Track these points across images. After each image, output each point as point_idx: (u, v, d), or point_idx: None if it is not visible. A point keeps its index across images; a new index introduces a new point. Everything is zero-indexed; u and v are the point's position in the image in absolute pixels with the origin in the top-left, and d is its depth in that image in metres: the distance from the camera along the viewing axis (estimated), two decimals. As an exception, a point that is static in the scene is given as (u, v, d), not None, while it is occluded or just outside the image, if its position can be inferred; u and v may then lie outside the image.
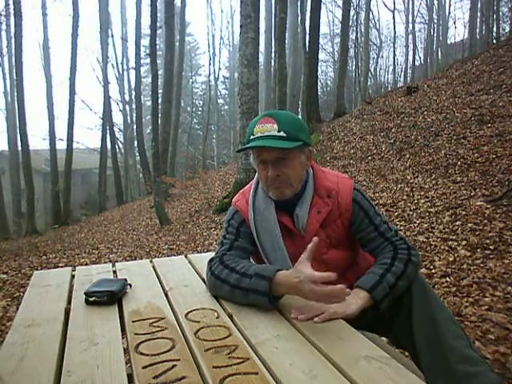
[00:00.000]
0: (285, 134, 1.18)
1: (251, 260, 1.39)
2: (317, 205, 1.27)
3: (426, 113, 8.09)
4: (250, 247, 1.32)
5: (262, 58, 18.01)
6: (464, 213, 3.91)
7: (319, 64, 15.32)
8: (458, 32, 41.13)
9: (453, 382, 0.99)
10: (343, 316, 1.04)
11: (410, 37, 25.97)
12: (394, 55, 27.20)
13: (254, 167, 1.33)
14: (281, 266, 1.26)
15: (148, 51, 10.37)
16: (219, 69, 29.91)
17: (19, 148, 15.70)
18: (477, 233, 3.43)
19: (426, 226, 3.91)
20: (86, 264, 5.54)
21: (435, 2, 26.10)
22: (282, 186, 1.23)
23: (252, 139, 1.21)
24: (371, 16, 24.01)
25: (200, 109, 32.88)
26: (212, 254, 1.34)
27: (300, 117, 13.17)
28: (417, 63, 26.33)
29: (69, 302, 1.25)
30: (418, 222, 4.08)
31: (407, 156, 6.55)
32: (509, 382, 1.69)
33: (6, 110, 19.85)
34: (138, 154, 19.97)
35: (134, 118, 17.79)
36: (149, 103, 21.96)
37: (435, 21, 26.21)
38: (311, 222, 1.26)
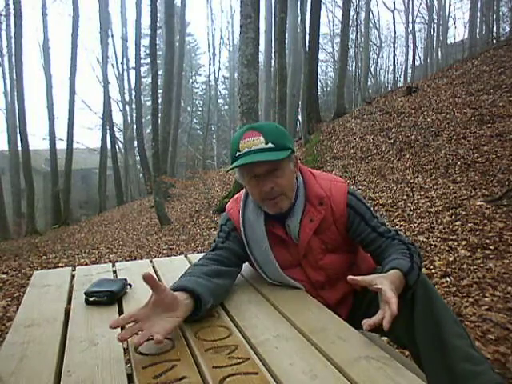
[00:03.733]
0: (273, 145, 1.16)
1: (249, 266, 1.40)
2: (309, 213, 1.25)
3: (426, 113, 8.09)
4: (238, 250, 1.31)
5: (261, 58, 18.02)
6: (464, 213, 3.91)
7: (319, 64, 15.34)
8: (458, 32, 41.24)
9: (455, 381, 0.99)
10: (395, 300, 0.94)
11: (410, 37, 25.97)
12: (394, 55, 27.24)
13: (242, 183, 1.30)
14: (274, 276, 1.28)
15: (148, 51, 10.37)
16: (219, 69, 29.96)
17: (19, 148, 15.69)
18: (477, 233, 3.43)
19: (425, 225, 3.90)
20: (86, 264, 5.54)
21: (435, 2, 26.10)
22: (279, 200, 1.21)
23: (239, 156, 1.18)
24: (371, 16, 24.05)
25: (200, 109, 32.90)
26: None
27: (300, 117, 13.19)
28: (417, 63, 26.36)
29: (69, 301, 1.25)
30: (417, 222, 4.08)
31: (407, 156, 6.55)
32: (509, 382, 1.69)
33: (6, 110, 19.81)
34: (137, 153, 20.00)
35: (134, 118, 17.80)
36: (149, 103, 21.96)
37: (435, 21, 26.21)
38: (304, 230, 1.24)
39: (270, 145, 1.16)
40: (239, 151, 1.18)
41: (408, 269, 1.06)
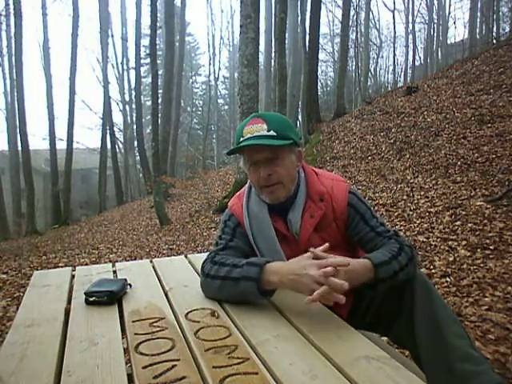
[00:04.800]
0: (274, 133, 1.18)
1: None
2: (310, 209, 1.26)
3: (426, 113, 8.09)
4: (246, 248, 1.31)
5: (261, 58, 18.02)
6: (464, 213, 3.92)
7: (319, 64, 15.34)
8: (458, 32, 41.31)
9: (454, 381, 0.99)
10: (343, 287, 0.99)
11: (410, 37, 25.98)
12: (394, 55, 27.25)
13: (245, 170, 1.32)
14: None
15: (148, 51, 10.37)
16: (219, 69, 29.95)
17: (19, 148, 15.70)
18: (477, 233, 3.43)
19: (426, 225, 3.91)
20: (86, 264, 5.54)
21: (435, 2, 26.11)
22: (275, 189, 1.23)
23: (241, 141, 1.21)
24: (371, 16, 24.09)
25: (200, 109, 32.90)
26: (212, 255, 1.34)
27: (300, 117, 13.18)
28: (417, 63, 26.36)
29: (69, 301, 1.25)
30: (417, 222, 4.08)
31: (407, 156, 6.55)
32: (509, 382, 1.69)
33: (6, 110, 19.81)
34: (137, 153, 20.00)
35: (134, 118, 17.82)
36: (149, 103, 21.98)
37: (435, 21, 26.22)
38: (304, 226, 1.25)
39: (272, 132, 1.18)
40: (242, 137, 1.21)
41: (380, 262, 1.09)
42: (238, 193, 1.41)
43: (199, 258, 1.66)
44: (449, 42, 27.56)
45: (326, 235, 1.28)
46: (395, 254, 1.14)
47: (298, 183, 1.28)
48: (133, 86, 22.43)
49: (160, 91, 11.96)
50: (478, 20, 20.88)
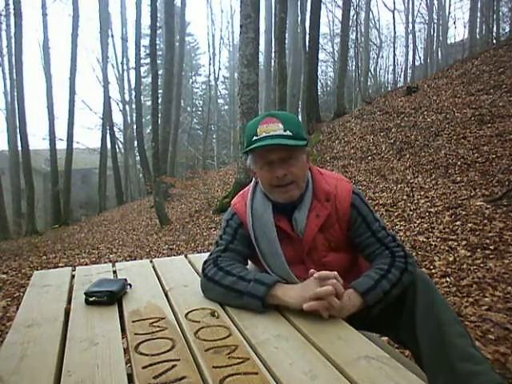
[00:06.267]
0: (290, 133, 1.18)
1: (249, 263, 1.39)
2: (316, 208, 1.26)
3: (426, 113, 8.09)
4: (246, 251, 1.30)
5: (261, 58, 18.01)
6: (464, 213, 3.91)
7: (319, 64, 15.34)
8: (457, 32, 41.36)
9: (454, 380, 0.99)
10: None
11: (410, 37, 26.00)
12: (394, 55, 27.29)
13: (254, 169, 1.31)
14: (279, 270, 1.27)
15: (148, 51, 10.37)
16: (219, 69, 29.96)
17: (19, 148, 15.70)
18: (477, 233, 3.43)
19: (425, 226, 3.91)
20: (86, 264, 5.54)
21: (435, 2, 26.13)
22: (290, 189, 1.22)
23: (256, 140, 1.19)
24: (371, 16, 24.13)
25: (200, 109, 32.89)
26: (211, 255, 1.33)
27: (300, 117, 13.19)
28: (417, 63, 26.38)
29: (69, 301, 1.25)
30: (417, 222, 4.08)
31: (407, 156, 6.55)
32: (509, 382, 1.69)
33: (6, 110, 19.81)
34: (138, 153, 19.99)
35: (134, 118, 17.80)
36: (149, 103, 21.97)
37: (435, 21, 26.23)
38: (310, 226, 1.25)
39: (288, 132, 1.18)
40: (256, 136, 1.20)
41: (366, 289, 1.11)
42: (242, 191, 1.40)
43: (199, 258, 1.66)
44: (449, 42, 27.63)
45: (329, 235, 1.28)
46: (384, 272, 1.15)
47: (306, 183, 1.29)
48: (133, 86, 22.45)
49: (160, 91, 11.95)
50: (478, 20, 20.89)
